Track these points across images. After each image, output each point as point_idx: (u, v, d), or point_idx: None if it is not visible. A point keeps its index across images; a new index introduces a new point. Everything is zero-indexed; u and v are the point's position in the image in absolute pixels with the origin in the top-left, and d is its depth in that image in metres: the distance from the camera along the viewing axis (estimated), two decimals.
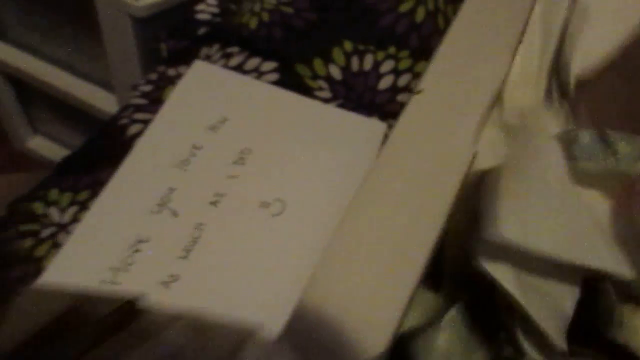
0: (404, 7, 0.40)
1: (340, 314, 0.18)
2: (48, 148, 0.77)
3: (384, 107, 0.36)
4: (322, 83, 0.37)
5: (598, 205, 0.19)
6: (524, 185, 0.18)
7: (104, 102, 0.58)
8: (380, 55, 0.38)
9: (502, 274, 0.17)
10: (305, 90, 0.36)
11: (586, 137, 0.19)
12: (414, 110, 0.24)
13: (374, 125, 0.34)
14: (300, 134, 0.33)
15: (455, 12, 0.37)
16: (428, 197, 0.20)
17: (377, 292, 0.19)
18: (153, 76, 0.38)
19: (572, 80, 0.20)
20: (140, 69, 0.50)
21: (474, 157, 0.20)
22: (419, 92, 0.25)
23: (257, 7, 0.42)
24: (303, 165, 0.31)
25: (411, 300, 0.18)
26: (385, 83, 0.37)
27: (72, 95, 0.60)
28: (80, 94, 0.60)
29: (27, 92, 0.72)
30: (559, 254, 0.17)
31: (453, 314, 0.20)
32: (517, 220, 0.17)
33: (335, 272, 0.20)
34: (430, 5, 0.40)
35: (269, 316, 0.21)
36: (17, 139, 0.79)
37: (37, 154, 0.79)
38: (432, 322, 0.20)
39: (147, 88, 0.37)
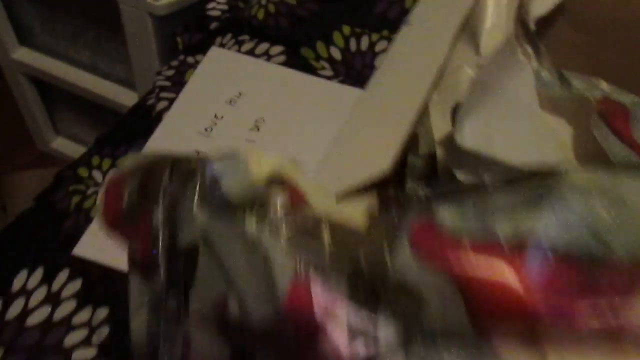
0: None
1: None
2: (71, 148, 0.82)
3: None
4: (324, 63, 0.42)
5: (562, 128, 0.23)
6: (494, 98, 0.21)
7: (126, 99, 0.63)
8: (375, 37, 0.42)
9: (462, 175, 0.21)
10: (309, 70, 0.41)
11: (547, 74, 0.23)
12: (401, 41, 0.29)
13: None
14: (306, 105, 0.37)
15: None
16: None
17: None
18: (174, 63, 0.43)
19: (532, 27, 0.24)
20: (159, 64, 0.55)
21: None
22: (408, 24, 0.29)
23: (263, 0, 0.47)
24: (309, 130, 0.35)
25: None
26: (380, 60, 0.41)
27: (95, 93, 0.65)
28: (102, 92, 0.65)
29: (50, 94, 0.77)
30: (522, 163, 0.21)
31: None
32: (482, 131, 0.20)
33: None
34: None
35: None
36: (40, 141, 0.84)
37: (61, 154, 0.84)
38: None
39: (170, 72, 0.42)
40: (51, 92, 0.76)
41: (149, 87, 0.43)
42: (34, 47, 0.70)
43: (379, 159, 0.22)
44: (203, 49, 0.44)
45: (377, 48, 0.42)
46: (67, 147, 0.83)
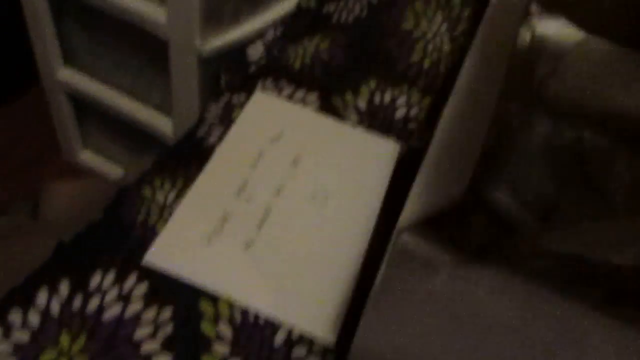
0: (415, 58, 0.52)
1: None
2: (97, 162, 0.88)
3: (399, 131, 0.47)
4: (352, 112, 0.48)
5: None
6: None
7: (160, 124, 0.69)
8: (397, 91, 0.49)
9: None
10: (339, 116, 0.48)
11: None
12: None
13: (390, 144, 0.46)
14: (336, 147, 0.44)
15: (454, 56, 0.49)
16: None
17: None
18: (221, 102, 0.50)
19: None
20: (198, 98, 0.61)
21: None
22: None
23: (300, 51, 0.54)
24: (339, 169, 0.42)
25: None
26: (400, 113, 0.48)
27: (131, 117, 0.72)
28: (138, 116, 0.71)
29: (83, 108, 0.83)
30: None
31: None
32: None
33: None
34: (435, 56, 0.52)
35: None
36: (68, 152, 0.89)
37: (86, 167, 0.89)
38: None
39: (218, 110, 0.49)
40: (84, 106, 0.81)
41: (185, 116, 0.49)
42: (78, 67, 0.76)
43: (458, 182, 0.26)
44: (244, 89, 0.50)
45: (398, 102, 0.49)
46: (93, 161, 0.89)
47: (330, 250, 0.37)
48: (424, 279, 0.23)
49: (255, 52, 0.57)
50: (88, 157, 0.89)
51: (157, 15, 0.57)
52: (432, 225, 0.23)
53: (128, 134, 0.79)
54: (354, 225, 0.39)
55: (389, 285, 0.24)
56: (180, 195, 0.40)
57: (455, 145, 0.28)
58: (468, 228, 0.30)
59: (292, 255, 0.36)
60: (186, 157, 0.44)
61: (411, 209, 0.25)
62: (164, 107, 0.69)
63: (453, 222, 0.26)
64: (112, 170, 0.86)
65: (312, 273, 0.36)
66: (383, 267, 0.24)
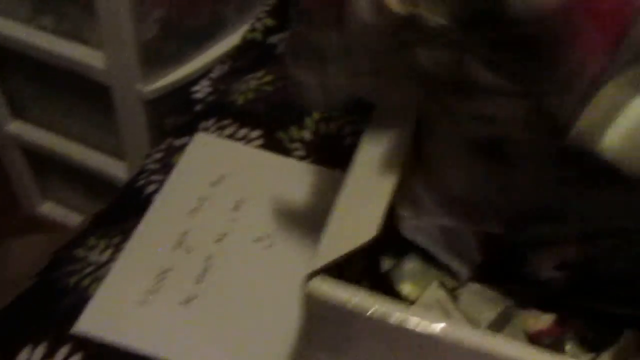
0: None
1: None
2: (59, 213, 0.85)
3: (347, 161, 0.46)
4: (297, 144, 0.47)
5: None
6: None
7: (116, 170, 0.67)
8: (342, 120, 0.48)
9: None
10: (284, 151, 0.46)
11: None
12: None
13: (339, 176, 0.44)
14: (281, 184, 0.42)
15: None
16: None
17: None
18: (163, 146, 0.48)
19: None
20: (148, 140, 0.60)
21: None
22: None
23: (243, 87, 0.52)
24: (284, 208, 0.40)
25: None
26: (347, 142, 0.47)
27: (85, 164, 0.70)
28: (93, 163, 0.69)
29: (39, 160, 0.80)
30: None
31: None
32: None
33: None
34: None
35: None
36: (27, 205, 0.87)
37: (48, 218, 0.86)
38: None
39: (159, 155, 0.47)
40: (40, 158, 0.79)
41: (139, 159, 0.47)
42: (27, 119, 0.74)
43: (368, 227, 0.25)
44: (189, 131, 0.49)
45: (345, 131, 0.47)
46: (55, 212, 0.86)
47: (278, 297, 0.35)
48: (335, 321, 0.23)
49: (202, 90, 0.55)
50: (49, 209, 0.86)
51: (95, 61, 0.55)
52: (338, 269, 0.23)
53: (87, 182, 0.77)
54: (302, 267, 0.37)
55: (304, 332, 0.24)
56: (116, 253, 0.38)
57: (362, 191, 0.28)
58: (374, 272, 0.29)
59: (237, 306, 0.34)
60: (124, 211, 0.42)
61: (321, 253, 0.24)
62: (118, 152, 0.67)
63: (360, 266, 0.25)
64: (76, 221, 0.83)
65: (258, 324, 0.34)
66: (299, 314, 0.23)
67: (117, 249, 0.38)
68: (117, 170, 0.66)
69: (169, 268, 0.36)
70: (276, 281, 0.36)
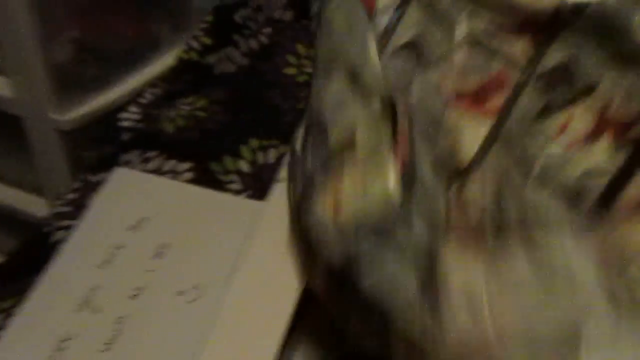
0: (301, 105, 0.47)
1: None
2: None
3: None
4: (233, 177, 0.42)
5: None
6: None
7: (35, 207, 0.60)
8: (283, 148, 0.43)
9: None
10: (218, 184, 0.41)
11: None
12: None
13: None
14: (213, 224, 0.37)
15: None
16: None
17: None
18: (76, 184, 0.42)
19: None
20: (68, 174, 0.53)
21: None
22: None
23: (173, 114, 0.47)
24: (217, 253, 0.35)
25: None
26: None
27: (3, 202, 0.62)
28: (10, 201, 0.62)
29: None
30: None
31: None
32: None
33: None
34: None
35: None
36: None
37: None
38: None
39: (71, 196, 0.41)
40: None
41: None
42: None
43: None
44: (109, 166, 0.43)
45: (285, 160, 0.43)
46: None
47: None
48: None
49: (130, 117, 0.49)
50: None
51: (1, 89, 0.49)
52: None
53: (8, 223, 0.69)
54: None
55: None
56: (7, 319, 0.31)
57: None
58: None
59: None
60: (22, 266, 0.35)
61: None
62: (38, 189, 0.60)
63: None
64: None
65: None
66: None
67: (9, 314, 0.31)
68: (38, 208, 0.59)
69: (70, 335, 0.30)
70: (202, 343, 0.30)
